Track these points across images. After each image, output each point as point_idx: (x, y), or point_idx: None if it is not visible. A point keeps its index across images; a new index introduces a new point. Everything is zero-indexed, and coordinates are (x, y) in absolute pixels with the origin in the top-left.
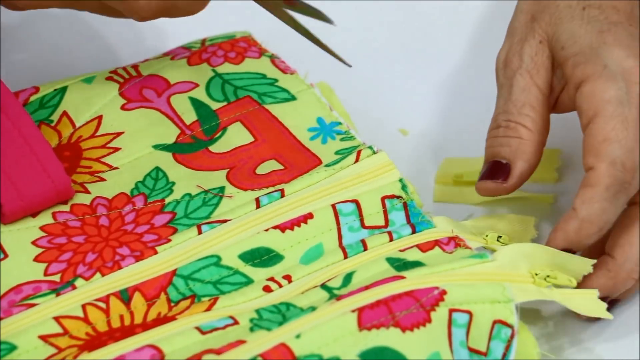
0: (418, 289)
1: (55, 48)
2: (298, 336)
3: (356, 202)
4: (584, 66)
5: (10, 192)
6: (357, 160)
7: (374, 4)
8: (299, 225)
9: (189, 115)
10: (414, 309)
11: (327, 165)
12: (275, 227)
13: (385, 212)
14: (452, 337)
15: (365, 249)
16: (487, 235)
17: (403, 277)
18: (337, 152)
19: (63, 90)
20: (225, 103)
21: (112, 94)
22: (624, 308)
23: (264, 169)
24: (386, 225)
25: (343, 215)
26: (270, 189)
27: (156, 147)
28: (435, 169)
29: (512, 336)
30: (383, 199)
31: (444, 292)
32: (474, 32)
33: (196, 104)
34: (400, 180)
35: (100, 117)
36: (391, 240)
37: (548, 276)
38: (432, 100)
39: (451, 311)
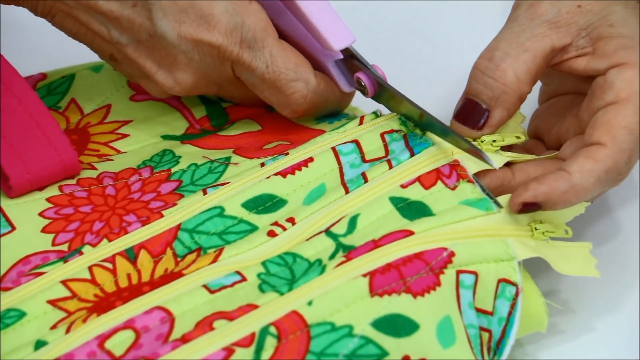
0: (427, 250)
1: (60, 34)
2: (310, 303)
3: (356, 142)
4: (631, 51)
5: (17, 166)
6: (361, 124)
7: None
8: (299, 169)
9: (199, 110)
10: (424, 273)
11: (331, 130)
12: (276, 174)
13: (385, 146)
14: (461, 299)
15: (366, 181)
16: (483, 141)
17: (411, 233)
18: (341, 125)
19: (71, 77)
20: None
21: (121, 84)
22: (624, 307)
23: (270, 145)
24: (386, 156)
25: (343, 155)
26: (276, 155)
27: (165, 137)
28: None
29: (516, 294)
30: (382, 134)
31: (452, 254)
32: (475, 27)
33: (206, 101)
34: (400, 117)
35: (108, 106)
36: (390, 167)
37: (547, 230)
38: (438, 93)
39: (458, 272)
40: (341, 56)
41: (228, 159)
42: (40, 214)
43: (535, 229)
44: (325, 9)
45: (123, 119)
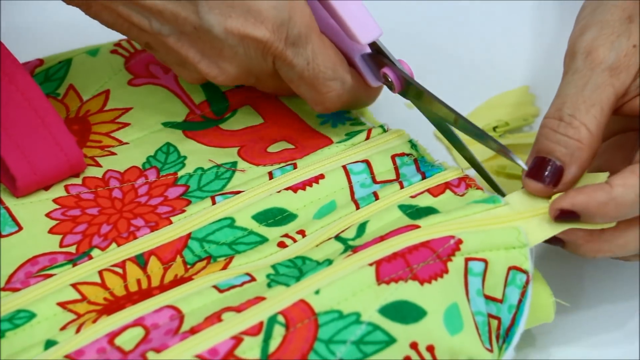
0: (434, 238)
1: (57, 17)
2: (317, 292)
3: (367, 162)
4: None
5: (23, 166)
6: (367, 138)
7: None
8: (310, 185)
9: (198, 95)
10: (431, 260)
11: (338, 142)
12: (287, 189)
13: (396, 169)
14: (469, 287)
15: (377, 198)
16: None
17: (418, 227)
18: (347, 134)
19: (68, 62)
20: (233, 86)
21: (118, 68)
22: (625, 308)
23: (275, 148)
24: (397, 179)
25: (354, 174)
26: (283, 164)
27: (166, 124)
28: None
29: (527, 282)
30: (393, 157)
31: (459, 242)
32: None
33: (204, 84)
34: (410, 141)
35: (107, 92)
36: (402, 188)
37: None
38: (439, 74)
39: (467, 260)
40: (368, 50)
41: (234, 164)
42: (47, 215)
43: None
44: (354, 2)
45: (123, 106)
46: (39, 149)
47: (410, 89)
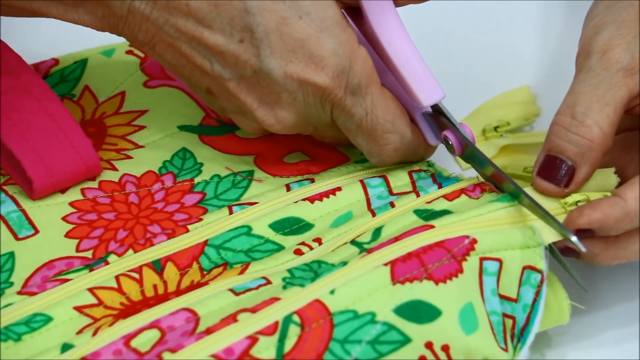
0: (448, 238)
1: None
2: (332, 292)
3: (384, 177)
4: None
5: (40, 169)
6: None
7: None
8: (327, 197)
9: None
10: (446, 260)
11: (356, 162)
12: (304, 200)
13: (412, 183)
14: (484, 286)
15: (393, 207)
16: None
17: (432, 226)
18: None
19: (83, 63)
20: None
21: (134, 69)
22: (624, 308)
23: (291, 158)
24: (414, 190)
25: (371, 187)
26: (299, 177)
27: (181, 127)
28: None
29: (541, 281)
30: (410, 172)
31: (474, 241)
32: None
33: None
34: (427, 161)
35: (123, 93)
36: (418, 197)
37: (578, 201)
38: (440, 74)
39: (482, 260)
40: (429, 110)
41: (251, 172)
42: (64, 219)
43: (565, 203)
44: (417, 62)
45: (138, 108)
46: (55, 151)
47: (470, 154)
